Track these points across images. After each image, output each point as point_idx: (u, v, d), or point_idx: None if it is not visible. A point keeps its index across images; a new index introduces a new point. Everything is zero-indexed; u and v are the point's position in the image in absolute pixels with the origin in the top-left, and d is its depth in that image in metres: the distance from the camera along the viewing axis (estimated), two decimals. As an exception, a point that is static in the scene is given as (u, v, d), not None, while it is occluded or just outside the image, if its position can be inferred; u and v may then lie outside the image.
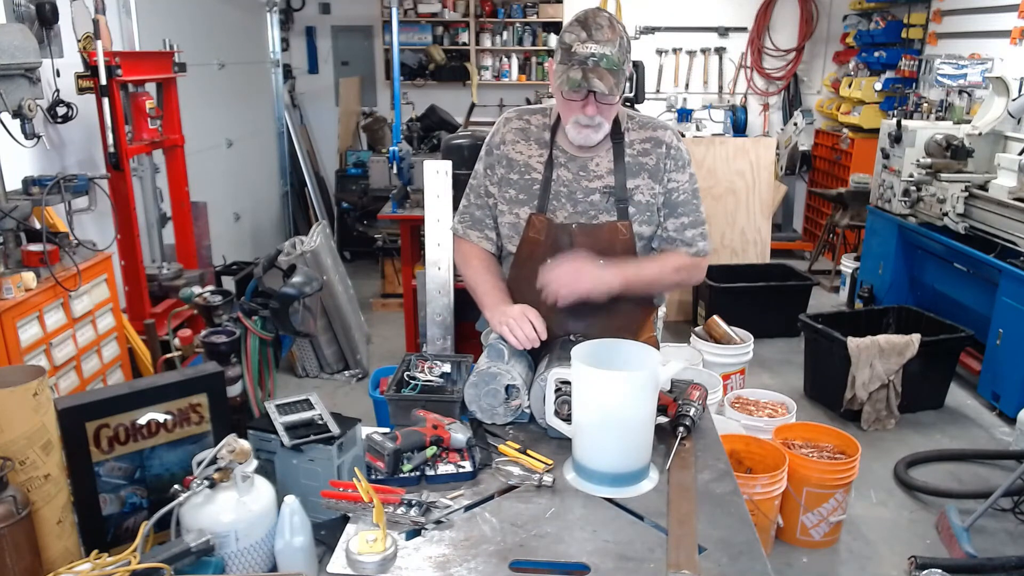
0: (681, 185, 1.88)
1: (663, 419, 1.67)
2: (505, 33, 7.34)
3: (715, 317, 4.10)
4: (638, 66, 6.82)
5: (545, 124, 1.91)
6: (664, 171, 1.86)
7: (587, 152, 1.86)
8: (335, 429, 1.46)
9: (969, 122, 4.63)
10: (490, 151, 1.95)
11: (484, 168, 1.96)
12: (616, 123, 1.85)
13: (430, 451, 1.52)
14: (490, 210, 1.96)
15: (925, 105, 5.43)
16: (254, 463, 1.28)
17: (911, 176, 4.67)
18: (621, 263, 1.80)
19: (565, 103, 1.75)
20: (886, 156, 5.04)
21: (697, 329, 4.25)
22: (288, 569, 1.24)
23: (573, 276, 1.72)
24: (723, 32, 7.33)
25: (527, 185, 1.89)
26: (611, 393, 1.45)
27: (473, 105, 6.78)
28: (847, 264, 5.78)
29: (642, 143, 1.87)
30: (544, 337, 1.76)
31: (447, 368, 1.86)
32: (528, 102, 7.11)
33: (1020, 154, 4.17)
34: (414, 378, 1.81)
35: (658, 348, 2.02)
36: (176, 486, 1.23)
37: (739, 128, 7.36)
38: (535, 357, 1.84)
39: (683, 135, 6.89)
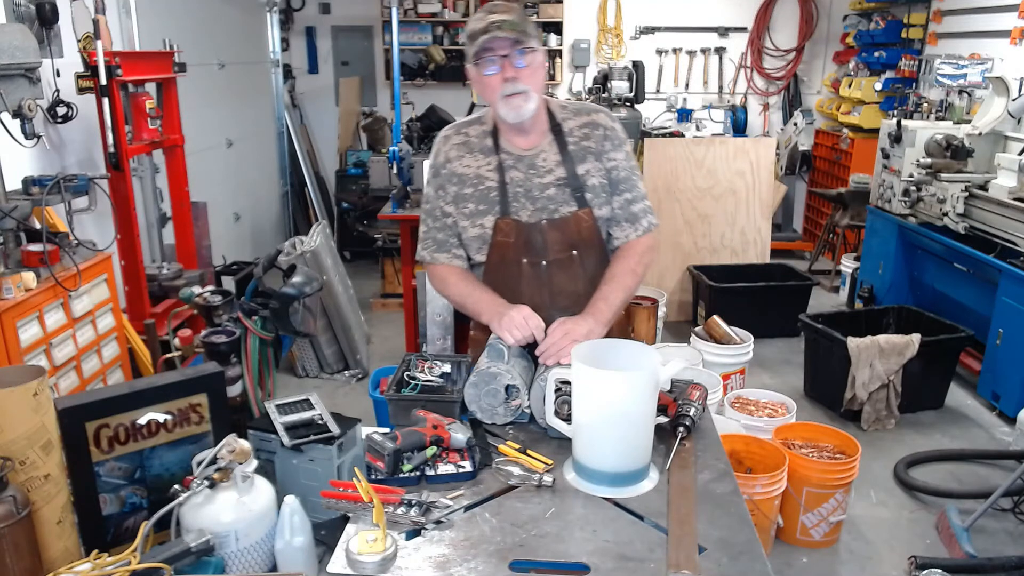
0: (620, 163, 1.93)
1: (663, 419, 1.67)
2: (505, 33, 7.33)
3: (715, 317, 4.10)
4: (638, 66, 6.84)
5: (484, 132, 1.93)
6: (602, 151, 1.91)
7: (532, 149, 1.90)
8: (335, 429, 1.46)
9: (969, 122, 4.63)
10: (436, 173, 1.95)
11: (434, 190, 1.96)
12: (551, 115, 1.91)
13: (430, 451, 1.52)
14: (451, 229, 1.96)
15: (925, 105, 5.44)
16: (254, 463, 1.28)
17: (911, 176, 4.67)
18: (594, 307, 1.82)
19: (487, 85, 1.79)
20: (886, 156, 5.04)
21: (697, 329, 4.25)
22: (288, 569, 1.24)
23: (566, 341, 1.71)
24: (723, 32, 7.33)
25: (484, 195, 1.90)
26: (611, 393, 1.45)
27: (473, 105, 6.77)
28: (847, 264, 5.78)
29: (580, 128, 1.92)
30: (541, 333, 1.76)
31: (447, 368, 1.86)
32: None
33: (1020, 154, 4.17)
34: (414, 378, 1.81)
35: (629, 333, 2.11)
36: (176, 486, 1.23)
37: (739, 128, 7.36)
38: (535, 357, 1.84)
39: (683, 135, 6.90)
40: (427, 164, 2.00)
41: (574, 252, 1.91)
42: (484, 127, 1.94)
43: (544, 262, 1.91)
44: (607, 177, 1.92)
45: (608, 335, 1.82)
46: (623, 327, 2.11)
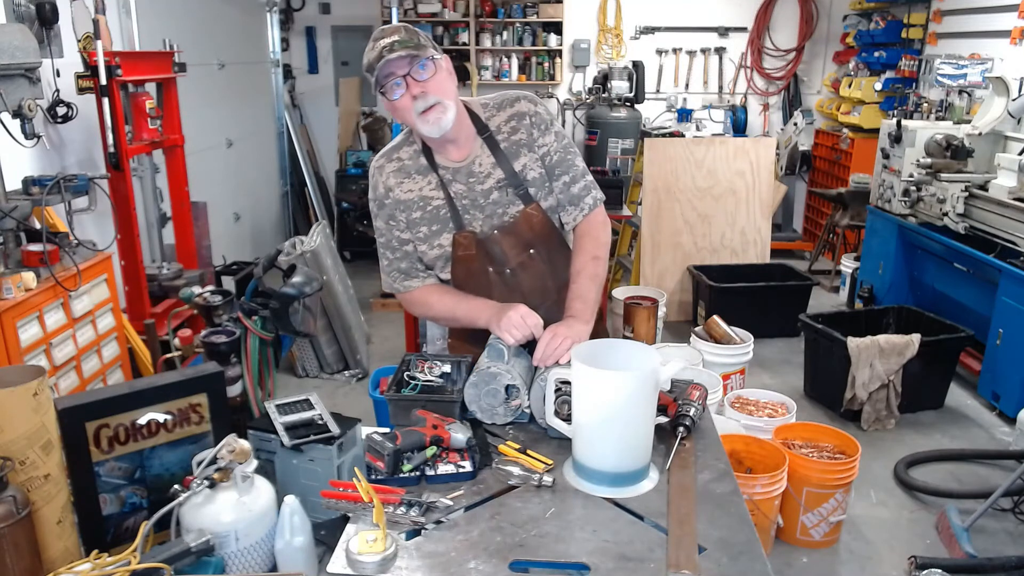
0: (550, 147, 1.90)
1: (663, 419, 1.67)
2: (505, 33, 7.34)
3: (715, 317, 4.10)
4: (638, 66, 6.85)
5: (416, 152, 1.89)
6: (533, 141, 1.88)
7: (466, 158, 1.87)
8: (335, 429, 1.46)
9: (969, 122, 4.63)
10: (381, 205, 1.91)
11: (384, 222, 1.92)
12: (476, 117, 1.87)
13: (430, 451, 1.52)
14: (411, 256, 1.93)
15: (925, 105, 5.44)
16: (254, 463, 1.28)
17: (911, 176, 4.67)
18: (572, 308, 1.83)
19: (399, 108, 1.75)
20: (886, 156, 5.04)
21: (697, 329, 4.25)
22: (288, 569, 1.24)
23: (556, 344, 1.71)
24: (723, 32, 7.33)
25: (434, 214, 1.88)
26: (611, 393, 1.45)
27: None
28: (847, 264, 5.78)
29: (507, 123, 1.89)
30: (540, 330, 1.76)
31: (447, 368, 1.86)
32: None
33: (1020, 154, 4.17)
34: (414, 378, 1.81)
35: (603, 327, 2.12)
36: (176, 486, 1.23)
37: (739, 128, 7.36)
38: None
39: (683, 135, 6.90)
40: (369, 199, 1.95)
41: (532, 251, 1.90)
42: (414, 147, 1.90)
43: (508, 269, 1.91)
44: (542, 165, 1.90)
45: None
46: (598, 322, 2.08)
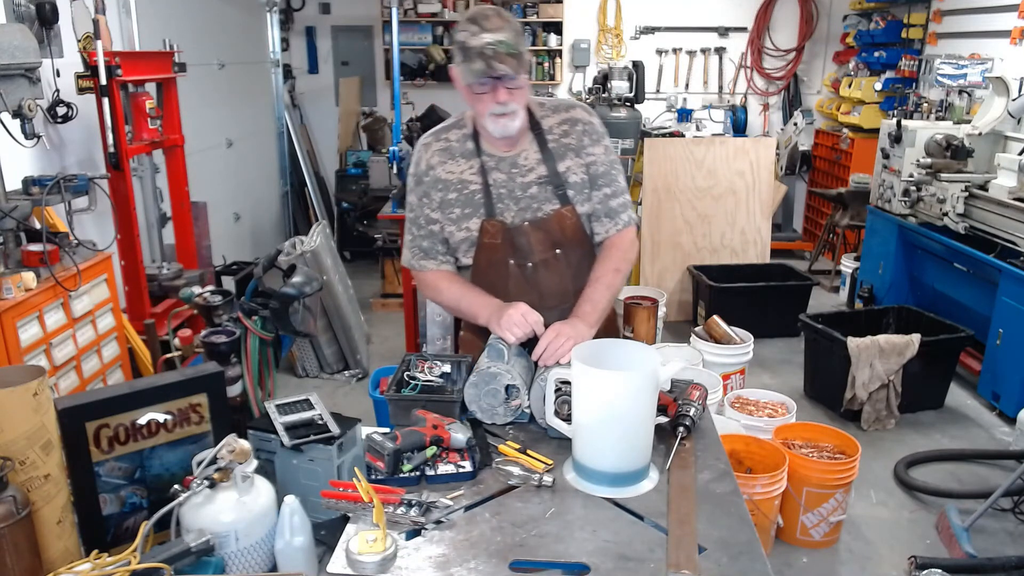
0: (599, 158, 1.93)
1: (663, 419, 1.67)
2: (505, 33, 7.33)
3: (715, 317, 4.10)
4: (638, 66, 6.83)
5: (465, 135, 1.93)
6: (582, 147, 1.92)
7: (513, 150, 1.90)
8: (335, 429, 1.46)
9: (969, 122, 4.63)
10: (419, 180, 1.95)
11: (418, 198, 1.96)
12: (531, 114, 1.89)
13: (430, 451, 1.52)
14: (436, 236, 1.96)
15: (925, 105, 5.44)
16: (254, 463, 1.28)
17: (911, 176, 4.67)
18: (581, 309, 1.84)
19: (476, 98, 1.77)
20: (886, 156, 5.04)
21: (697, 329, 4.25)
22: (288, 569, 1.24)
23: (559, 344, 1.71)
24: (723, 32, 7.33)
25: (468, 198, 1.90)
26: (611, 393, 1.45)
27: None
28: (847, 264, 5.78)
29: (560, 125, 1.92)
30: (541, 328, 1.76)
31: (447, 368, 1.86)
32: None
33: (1020, 154, 4.17)
34: (414, 378, 1.81)
35: (617, 332, 2.09)
36: (176, 486, 1.23)
37: (739, 128, 7.36)
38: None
39: (683, 135, 6.90)
40: (409, 173, 2.00)
41: (558, 251, 1.92)
42: (464, 131, 1.93)
43: (530, 263, 1.92)
44: (587, 172, 1.92)
45: (596, 335, 1.82)
46: (611, 325, 2.10)
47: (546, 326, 1.78)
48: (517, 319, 1.75)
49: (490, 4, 1.81)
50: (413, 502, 1.37)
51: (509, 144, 1.89)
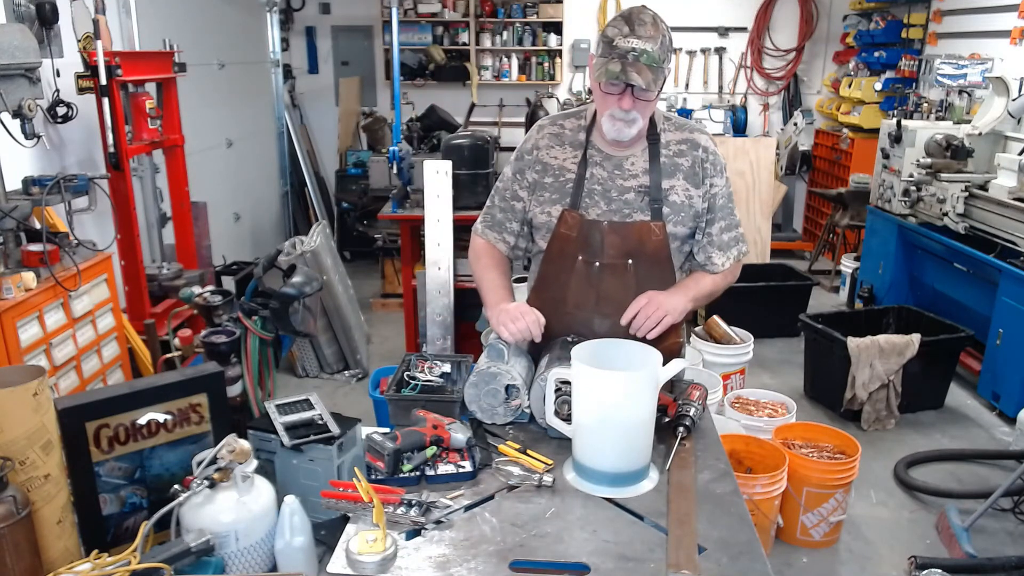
0: (720, 190, 1.91)
1: (663, 419, 1.67)
2: (505, 33, 7.33)
3: (715, 317, 4.10)
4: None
5: (580, 126, 1.92)
6: (704, 176, 1.88)
7: (623, 151, 1.87)
8: (335, 429, 1.46)
9: (969, 122, 4.63)
10: (521, 156, 1.97)
11: (513, 172, 1.97)
12: (652, 123, 1.85)
13: (430, 451, 1.52)
14: (513, 214, 1.97)
15: (925, 105, 5.43)
16: (254, 463, 1.28)
17: (911, 176, 4.67)
18: (682, 284, 1.89)
19: (602, 95, 1.76)
20: (886, 156, 5.04)
21: (697, 329, 4.25)
22: (288, 569, 1.24)
23: (653, 311, 1.74)
24: (723, 32, 7.33)
25: (561, 186, 1.90)
26: (611, 393, 1.45)
27: (473, 105, 6.77)
28: (847, 264, 5.78)
29: (678, 144, 1.88)
30: (539, 335, 1.76)
31: (447, 368, 1.86)
32: (528, 102, 7.10)
33: (1020, 154, 4.17)
34: (414, 378, 1.81)
35: (681, 355, 2.01)
36: (176, 486, 1.23)
37: (739, 128, 7.35)
38: (535, 357, 1.84)
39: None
40: (517, 147, 2.01)
41: (630, 261, 1.86)
42: (580, 122, 1.93)
43: (597, 263, 1.87)
44: (705, 201, 1.89)
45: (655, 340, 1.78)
46: (675, 345, 2.02)
47: (595, 336, 1.77)
48: (514, 314, 1.75)
49: (649, 8, 1.81)
50: (413, 502, 1.37)
51: (620, 146, 1.86)
